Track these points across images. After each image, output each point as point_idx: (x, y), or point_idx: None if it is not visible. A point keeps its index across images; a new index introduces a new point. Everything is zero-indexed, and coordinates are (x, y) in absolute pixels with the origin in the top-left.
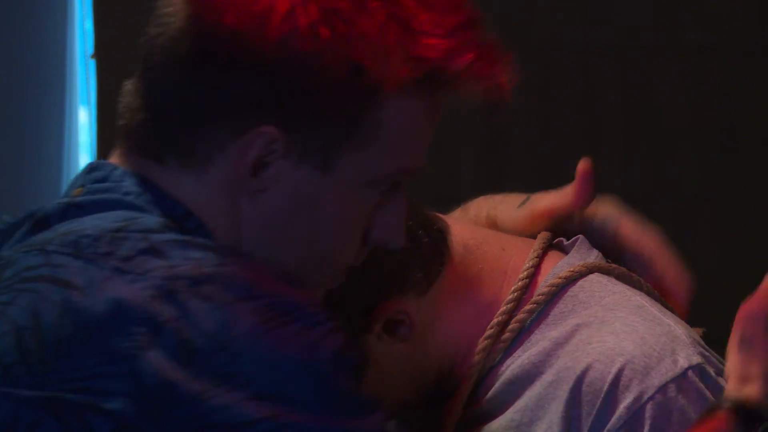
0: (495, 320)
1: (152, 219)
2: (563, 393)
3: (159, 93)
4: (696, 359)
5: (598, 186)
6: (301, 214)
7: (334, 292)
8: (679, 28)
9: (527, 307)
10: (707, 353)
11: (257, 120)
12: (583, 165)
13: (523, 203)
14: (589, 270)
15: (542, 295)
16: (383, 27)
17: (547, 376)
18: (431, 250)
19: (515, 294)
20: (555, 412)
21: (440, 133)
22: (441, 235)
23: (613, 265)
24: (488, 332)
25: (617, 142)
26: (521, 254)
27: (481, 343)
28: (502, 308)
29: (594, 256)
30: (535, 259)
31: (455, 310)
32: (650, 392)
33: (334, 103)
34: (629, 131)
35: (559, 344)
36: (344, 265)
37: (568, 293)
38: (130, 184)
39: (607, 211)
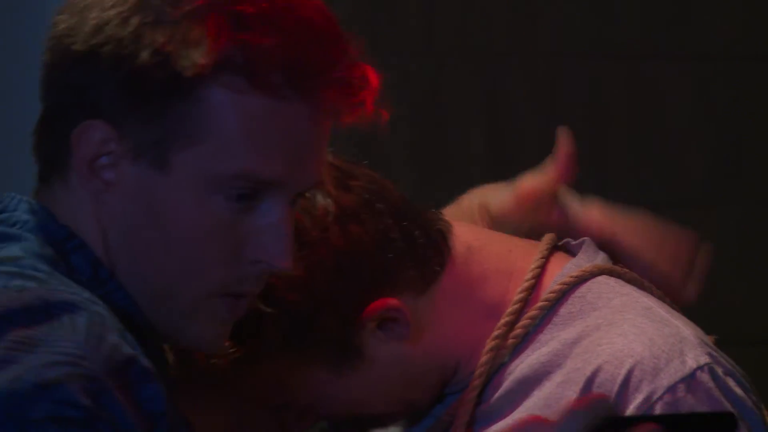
0: (503, 320)
1: (13, 249)
2: (573, 394)
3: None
4: (704, 359)
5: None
6: (149, 217)
7: (325, 289)
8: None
9: (538, 305)
10: (715, 354)
11: (85, 116)
12: (562, 141)
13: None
14: (599, 272)
15: (553, 293)
16: (193, 17)
17: (557, 377)
18: (428, 251)
19: (522, 294)
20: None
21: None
22: (441, 235)
23: (622, 268)
24: (496, 332)
25: (624, 145)
26: (527, 256)
27: (489, 343)
28: (510, 308)
29: (601, 258)
30: (541, 260)
31: (458, 309)
32: (659, 392)
33: (149, 94)
34: (637, 134)
35: (569, 345)
36: (219, 283)
37: (576, 294)
38: (21, 213)
39: (584, 210)
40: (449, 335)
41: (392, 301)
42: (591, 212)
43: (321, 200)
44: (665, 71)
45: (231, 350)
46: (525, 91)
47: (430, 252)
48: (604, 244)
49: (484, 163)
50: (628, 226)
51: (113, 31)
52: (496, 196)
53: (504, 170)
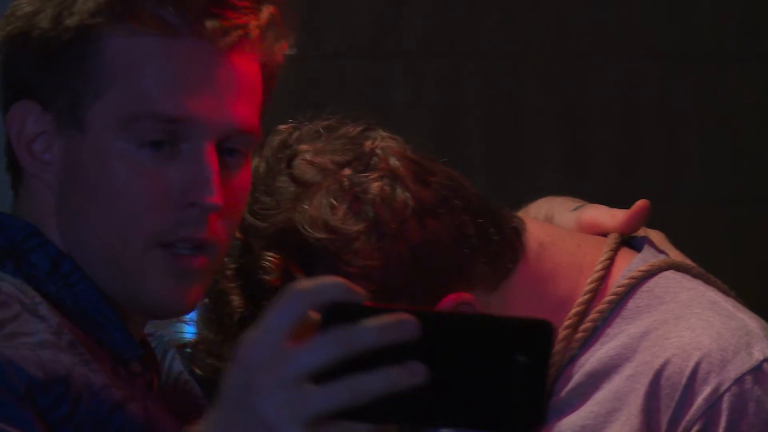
0: (573, 311)
1: None
2: (642, 386)
3: None
4: None
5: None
6: (80, 184)
7: (400, 281)
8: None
9: (606, 298)
10: None
11: (16, 95)
12: (640, 203)
13: (576, 208)
14: (667, 266)
15: (621, 287)
16: None
17: (626, 370)
18: (502, 247)
19: (592, 286)
20: (634, 404)
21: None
22: (515, 233)
23: (689, 264)
24: (567, 323)
25: (694, 143)
26: (596, 251)
27: (560, 333)
28: (580, 299)
29: (663, 256)
30: (610, 252)
31: (529, 304)
32: (727, 384)
33: (57, 62)
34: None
35: (637, 339)
36: (154, 232)
37: (644, 288)
38: None
39: (653, 236)
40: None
41: (465, 295)
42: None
43: (400, 194)
44: (739, 73)
45: None
46: (601, 95)
47: (504, 249)
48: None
49: (560, 169)
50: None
51: (22, 12)
52: (562, 213)
53: (579, 176)
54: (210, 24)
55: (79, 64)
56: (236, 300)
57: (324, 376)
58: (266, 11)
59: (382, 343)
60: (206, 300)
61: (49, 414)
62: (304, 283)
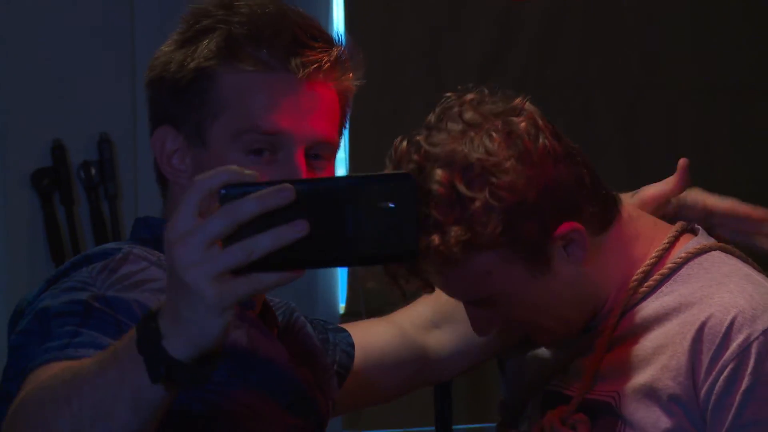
0: (640, 270)
1: (126, 243)
2: (690, 332)
3: None
4: None
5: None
6: None
7: (535, 200)
8: None
9: (667, 265)
10: None
11: (159, 123)
12: (682, 161)
13: (635, 193)
14: (716, 248)
15: (680, 258)
16: (201, 35)
17: (676, 320)
18: (606, 201)
19: (657, 254)
20: (681, 345)
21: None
22: (615, 198)
23: (731, 247)
24: (635, 278)
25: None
26: (666, 230)
27: (631, 283)
28: (647, 262)
29: (713, 240)
30: (675, 233)
31: (615, 256)
32: (756, 334)
33: (187, 95)
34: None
35: (686, 297)
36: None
37: (696, 261)
38: (138, 230)
39: (693, 193)
40: (606, 273)
41: (577, 225)
42: (696, 198)
43: (542, 139)
44: None
45: (461, 234)
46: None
47: (607, 203)
48: (707, 220)
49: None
50: (721, 203)
51: (158, 62)
52: (626, 200)
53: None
54: (293, 61)
55: (200, 96)
56: None
57: (233, 241)
58: (336, 50)
59: (265, 209)
60: None
61: None
62: (204, 173)
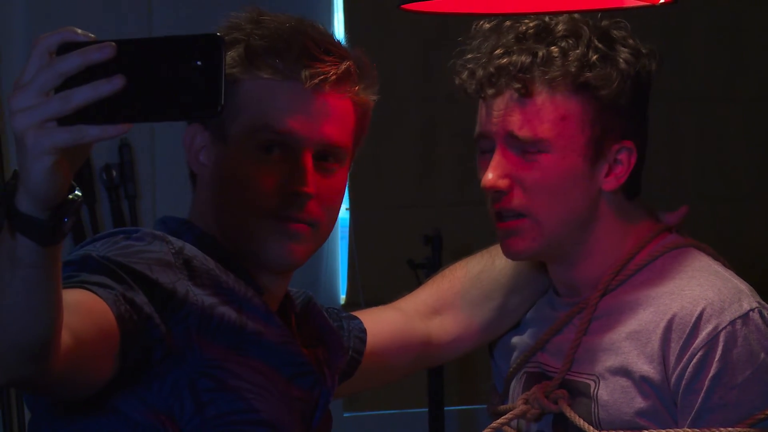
0: (623, 259)
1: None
2: (662, 322)
3: None
4: (755, 304)
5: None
6: (221, 179)
7: (621, 105)
8: None
9: (645, 257)
10: (763, 302)
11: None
12: (682, 209)
13: None
14: (690, 245)
15: (657, 252)
16: (236, 51)
17: (651, 308)
18: (639, 175)
19: (637, 246)
20: (654, 332)
21: None
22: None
23: (704, 245)
24: (618, 265)
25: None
26: (651, 227)
27: (610, 270)
28: (628, 254)
29: (690, 239)
30: (657, 231)
31: (620, 232)
32: (723, 325)
33: None
34: None
35: (660, 288)
36: (271, 209)
37: (671, 255)
38: (157, 225)
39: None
40: (605, 240)
41: (630, 144)
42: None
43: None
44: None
45: (582, 69)
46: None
47: (639, 177)
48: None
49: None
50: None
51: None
52: None
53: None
54: (303, 72)
55: (227, 99)
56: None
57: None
58: (344, 64)
59: (87, 62)
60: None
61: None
62: (44, 34)
